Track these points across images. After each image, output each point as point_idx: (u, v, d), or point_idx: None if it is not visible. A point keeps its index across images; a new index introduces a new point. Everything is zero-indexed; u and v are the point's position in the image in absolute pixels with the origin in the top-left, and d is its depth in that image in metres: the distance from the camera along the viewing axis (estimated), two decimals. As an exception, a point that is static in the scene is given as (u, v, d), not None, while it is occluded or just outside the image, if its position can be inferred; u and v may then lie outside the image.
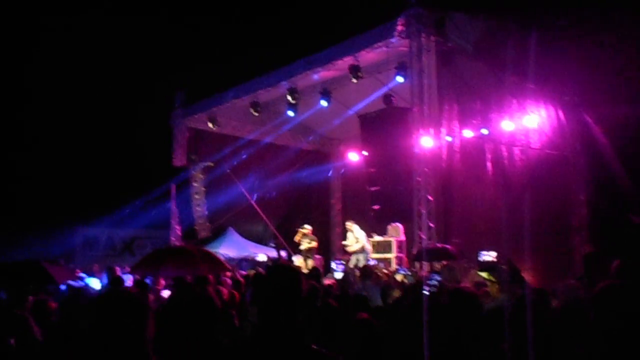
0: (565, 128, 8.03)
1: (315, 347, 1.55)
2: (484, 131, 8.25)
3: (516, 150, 8.04)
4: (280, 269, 1.80)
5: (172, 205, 11.73)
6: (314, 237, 9.86)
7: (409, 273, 6.45)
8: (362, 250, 9.31)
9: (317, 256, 9.83)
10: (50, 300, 4.08)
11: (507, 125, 8.20)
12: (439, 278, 3.51)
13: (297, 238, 9.91)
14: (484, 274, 3.57)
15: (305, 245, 9.72)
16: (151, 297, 4.79)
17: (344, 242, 10.01)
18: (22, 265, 4.97)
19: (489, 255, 4.69)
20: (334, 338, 3.18)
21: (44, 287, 5.04)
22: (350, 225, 9.72)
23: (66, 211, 13.84)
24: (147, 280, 6.44)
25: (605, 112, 7.29)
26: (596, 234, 7.11)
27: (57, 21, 15.15)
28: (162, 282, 6.61)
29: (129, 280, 6.74)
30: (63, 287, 5.61)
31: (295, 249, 10.26)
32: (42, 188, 14.41)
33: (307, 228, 9.88)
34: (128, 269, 7.47)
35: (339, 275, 6.51)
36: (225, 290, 5.02)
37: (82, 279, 7.74)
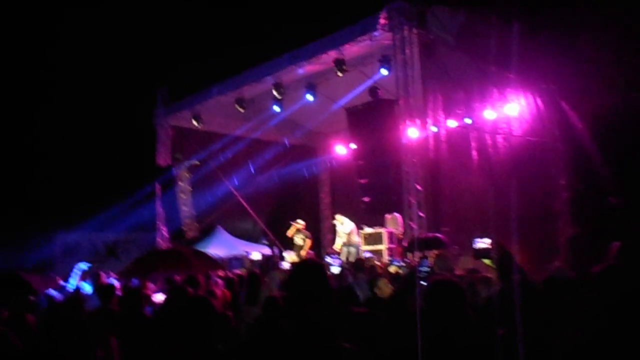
0: (544, 115, 8.27)
1: (347, 345, 1.54)
2: (468, 120, 8.43)
3: (499, 138, 8.26)
4: (308, 264, 1.81)
5: (158, 206, 11.49)
6: (307, 232, 9.75)
7: (403, 264, 6.54)
8: (350, 243, 9.33)
9: (309, 251, 9.79)
10: (29, 313, 3.87)
11: (489, 114, 8.40)
12: (428, 263, 3.57)
13: (290, 233, 9.77)
14: (487, 261, 3.65)
15: (298, 240, 9.64)
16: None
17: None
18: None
19: (483, 242, 4.81)
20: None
21: (22, 298, 4.78)
22: (338, 218, 9.71)
23: (44, 216, 13.33)
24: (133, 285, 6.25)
25: (581, 99, 7.54)
26: (578, 217, 7.39)
27: (39, 17, 14.44)
28: (152, 285, 6.46)
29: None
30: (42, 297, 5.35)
31: (286, 244, 10.20)
32: (18, 193, 13.82)
33: (301, 223, 9.75)
34: (113, 275, 7.27)
35: (335, 269, 6.54)
36: (219, 292, 4.97)
37: (63, 287, 7.47)
